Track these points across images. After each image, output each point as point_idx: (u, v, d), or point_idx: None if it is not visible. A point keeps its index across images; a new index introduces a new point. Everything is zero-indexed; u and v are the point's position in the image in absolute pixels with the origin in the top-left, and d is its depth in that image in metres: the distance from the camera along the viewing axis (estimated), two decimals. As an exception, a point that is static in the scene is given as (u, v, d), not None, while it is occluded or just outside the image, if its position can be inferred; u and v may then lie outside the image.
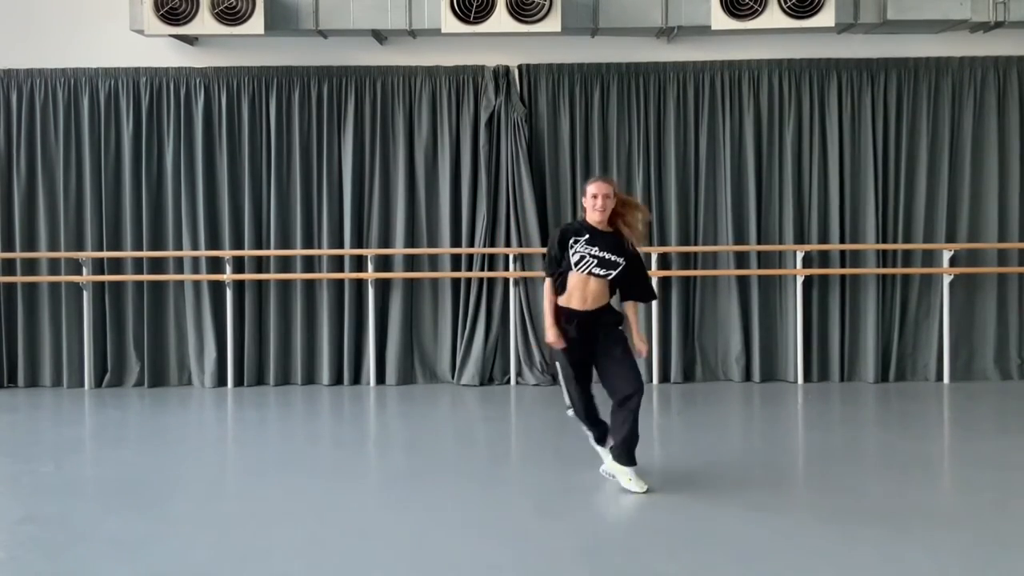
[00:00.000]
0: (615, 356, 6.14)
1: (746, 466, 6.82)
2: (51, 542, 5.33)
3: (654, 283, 9.36)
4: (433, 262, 9.56)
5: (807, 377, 9.43)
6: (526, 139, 9.34)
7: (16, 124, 9.48)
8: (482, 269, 9.46)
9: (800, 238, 9.44)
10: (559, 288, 6.11)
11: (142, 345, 9.53)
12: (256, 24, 8.80)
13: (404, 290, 9.51)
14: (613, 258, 6.05)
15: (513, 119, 9.33)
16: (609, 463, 6.22)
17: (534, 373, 9.39)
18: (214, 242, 9.51)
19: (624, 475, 6.16)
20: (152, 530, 5.48)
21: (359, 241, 9.53)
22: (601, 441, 6.31)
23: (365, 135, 9.48)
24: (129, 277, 9.48)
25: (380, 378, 9.53)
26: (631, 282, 6.19)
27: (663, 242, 9.44)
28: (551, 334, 6.07)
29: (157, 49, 9.46)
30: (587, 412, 6.25)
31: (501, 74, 9.37)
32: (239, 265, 9.51)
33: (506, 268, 9.47)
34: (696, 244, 9.50)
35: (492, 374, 9.48)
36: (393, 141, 9.48)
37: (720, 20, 8.71)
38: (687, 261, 9.56)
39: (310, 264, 9.55)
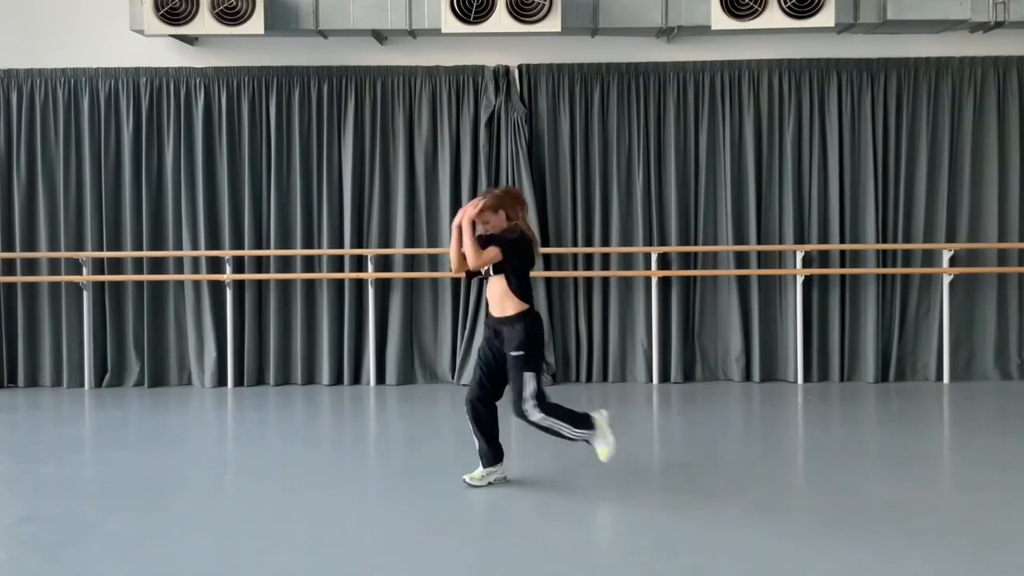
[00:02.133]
0: (506, 368, 6.15)
1: (746, 466, 6.82)
2: (51, 542, 5.33)
3: (653, 283, 9.37)
4: (433, 262, 9.56)
5: (807, 377, 9.42)
6: (526, 139, 9.34)
7: (16, 124, 9.48)
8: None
9: (800, 238, 9.44)
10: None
11: (142, 345, 9.53)
12: (256, 24, 8.80)
13: (404, 290, 9.51)
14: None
15: (513, 119, 9.33)
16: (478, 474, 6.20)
17: (534, 373, 9.38)
18: (214, 242, 9.51)
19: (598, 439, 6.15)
20: (152, 530, 5.48)
21: (359, 241, 9.53)
22: (484, 458, 6.20)
23: (365, 135, 9.48)
24: (129, 277, 9.48)
25: (380, 378, 9.53)
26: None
27: (663, 242, 9.44)
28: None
29: (157, 49, 9.46)
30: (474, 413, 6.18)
31: (501, 74, 9.37)
32: (239, 265, 9.51)
33: (506, 268, 9.45)
34: (696, 244, 9.50)
35: (492, 374, 9.46)
36: (393, 141, 9.48)
37: (720, 20, 8.71)
38: (687, 261, 9.56)
39: (310, 264, 9.55)
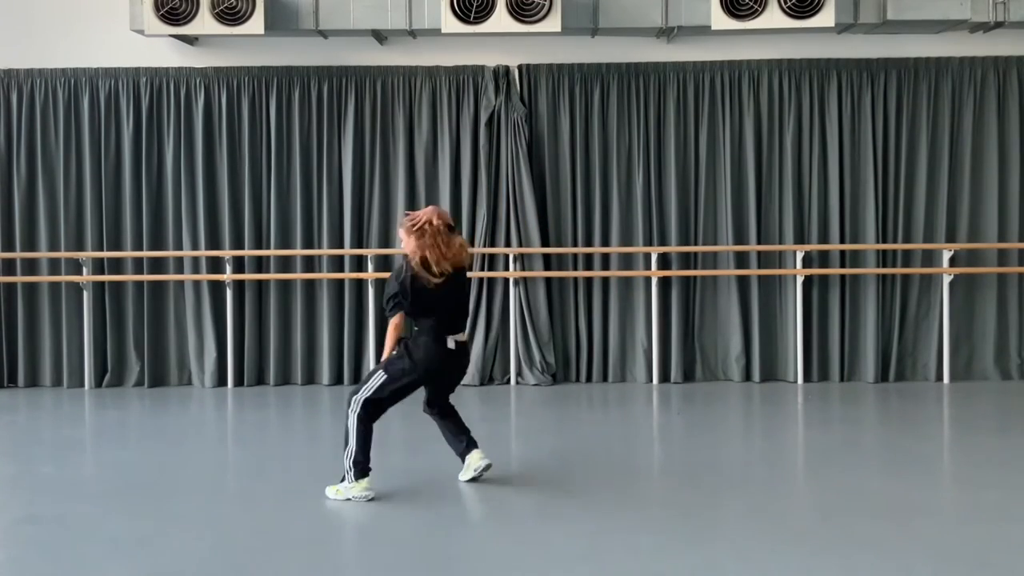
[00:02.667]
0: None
1: (746, 466, 6.82)
2: (51, 542, 5.33)
3: (653, 283, 9.38)
4: (433, 262, 9.54)
5: (807, 377, 9.42)
6: (526, 139, 9.33)
7: (16, 124, 9.48)
8: (482, 269, 9.45)
9: (800, 238, 9.44)
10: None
11: (142, 345, 9.53)
12: (256, 24, 8.80)
13: (404, 290, 9.50)
14: None
15: (513, 119, 9.33)
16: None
17: (534, 373, 9.39)
18: (214, 242, 9.51)
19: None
20: (152, 530, 5.48)
21: (359, 241, 9.53)
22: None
23: (365, 135, 9.48)
24: (129, 277, 9.48)
25: (380, 378, 9.52)
26: None
27: (663, 242, 9.44)
28: None
29: (157, 49, 9.46)
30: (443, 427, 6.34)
31: (501, 74, 9.37)
32: (239, 265, 9.51)
33: (506, 268, 9.46)
34: (696, 244, 9.50)
35: (492, 374, 9.48)
36: (393, 141, 9.48)
37: (720, 20, 8.71)
38: (687, 261, 9.56)
39: (310, 264, 9.55)
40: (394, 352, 6.06)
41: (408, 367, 5.98)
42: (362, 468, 5.98)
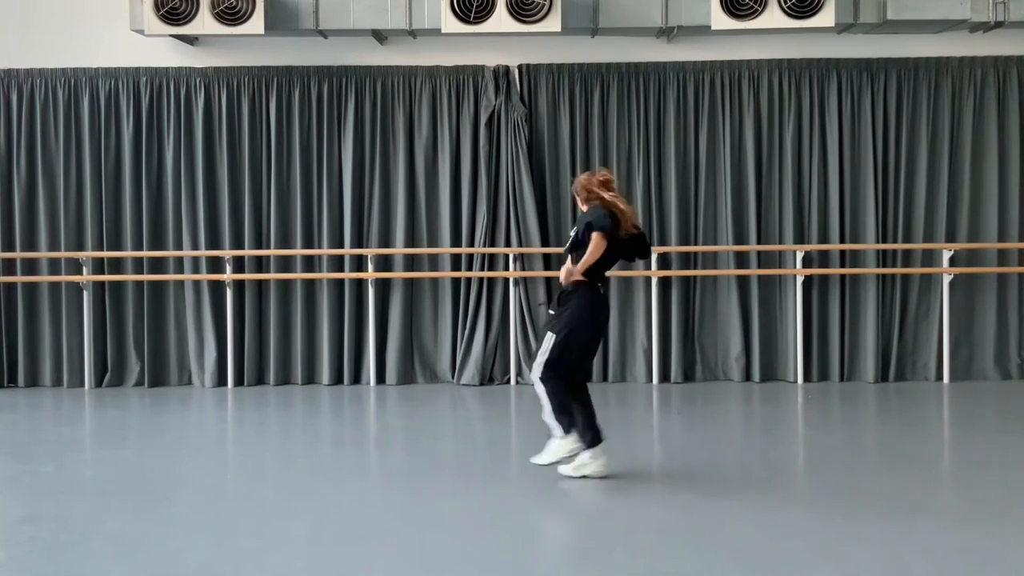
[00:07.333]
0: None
1: (746, 466, 6.82)
2: (51, 542, 5.33)
3: (653, 283, 9.38)
4: (433, 262, 9.56)
5: (807, 377, 9.42)
6: (526, 139, 9.34)
7: (16, 124, 9.48)
8: (482, 269, 9.46)
9: (800, 238, 9.44)
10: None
11: (142, 345, 9.53)
12: (256, 24, 8.81)
13: (404, 290, 9.51)
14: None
15: (513, 119, 9.33)
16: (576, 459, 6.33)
17: (534, 373, 9.38)
18: (214, 242, 9.52)
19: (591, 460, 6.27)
20: (152, 530, 5.48)
21: (359, 241, 9.53)
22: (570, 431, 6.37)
23: (365, 135, 9.49)
24: (129, 277, 9.48)
25: (380, 378, 9.53)
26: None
27: (663, 242, 9.45)
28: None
29: (157, 49, 9.46)
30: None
31: (501, 74, 9.37)
32: (239, 265, 9.51)
33: (506, 268, 9.47)
34: (696, 244, 9.50)
35: (492, 374, 9.49)
36: (393, 141, 9.49)
37: (720, 20, 8.71)
38: (687, 261, 9.56)
39: (310, 264, 9.55)
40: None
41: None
42: (567, 426, 6.31)
